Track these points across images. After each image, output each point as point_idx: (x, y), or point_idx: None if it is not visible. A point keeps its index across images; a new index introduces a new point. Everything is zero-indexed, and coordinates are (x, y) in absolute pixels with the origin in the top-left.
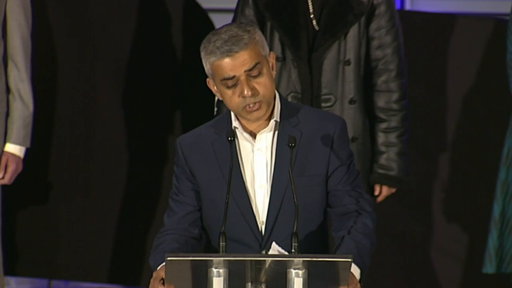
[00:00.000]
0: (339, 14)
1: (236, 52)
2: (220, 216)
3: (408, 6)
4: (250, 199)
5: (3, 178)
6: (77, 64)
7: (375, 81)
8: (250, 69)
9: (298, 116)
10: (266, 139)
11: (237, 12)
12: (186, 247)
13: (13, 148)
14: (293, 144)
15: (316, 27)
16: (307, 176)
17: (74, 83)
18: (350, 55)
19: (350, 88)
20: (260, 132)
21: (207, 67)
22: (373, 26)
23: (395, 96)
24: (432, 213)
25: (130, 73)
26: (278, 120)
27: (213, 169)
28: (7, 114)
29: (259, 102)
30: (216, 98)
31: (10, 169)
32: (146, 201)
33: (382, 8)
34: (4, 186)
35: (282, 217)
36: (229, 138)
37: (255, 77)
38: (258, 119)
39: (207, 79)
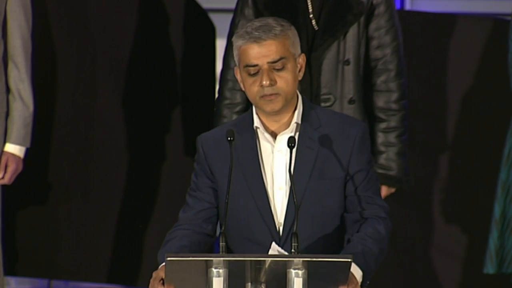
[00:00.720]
0: (339, 14)
1: (264, 40)
2: (238, 216)
3: (408, 6)
4: (269, 200)
5: (3, 178)
6: (77, 64)
7: (374, 81)
8: (274, 62)
9: (320, 119)
10: (287, 140)
11: (237, 12)
12: (198, 246)
13: (13, 148)
14: (292, 145)
15: (316, 27)
16: (326, 179)
17: (74, 83)
18: (350, 55)
19: (349, 88)
20: (281, 133)
21: (235, 53)
22: (373, 26)
23: (394, 96)
24: (432, 213)
25: (130, 73)
26: (299, 122)
27: (234, 168)
28: (7, 114)
29: (276, 94)
30: (216, 98)
31: (10, 169)
32: (145, 201)
33: (381, 8)
34: (4, 186)
35: (301, 219)
36: (229, 138)
37: (278, 70)
38: (273, 111)
39: (235, 68)
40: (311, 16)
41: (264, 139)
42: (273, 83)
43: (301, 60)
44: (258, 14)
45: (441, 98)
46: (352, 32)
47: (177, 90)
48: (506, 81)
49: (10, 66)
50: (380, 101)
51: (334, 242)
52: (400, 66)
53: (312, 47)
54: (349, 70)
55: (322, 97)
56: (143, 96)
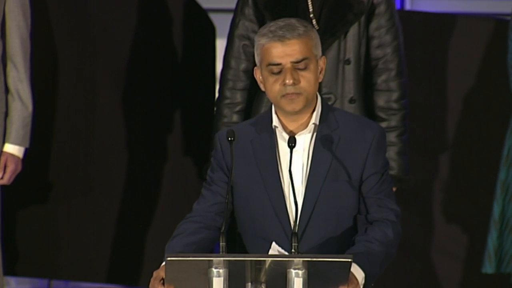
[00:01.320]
0: (339, 13)
1: (288, 39)
2: (253, 215)
3: (408, 6)
4: (285, 200)
5: (2, 178)
6: (77, 64)
7: (375, 80)
8: (298, 61)
9: (338, 120)
10: (304, 141)
11: (237, 12)
12: (208, 242)
13: (12, 149)
14: (292, 145)
15: (316, 27)
16: (342, 181)
17: (74, 83)
18: (350, 54)
19: (350, 87)
20: (299, 133)
21: (257, 52)
22: (373, 25)
23: (395, 95)
24: (432, 213)
25: (130, 73)
26: (317, 123)
27: (251, 167)
28: (6, 114)
29: (298, 93)
30: (216, 98)
31: (9, 169)
32: (146, 201)
33: (382, 8)
34: (3, 186)
35: (315, 219)
36: (229, 138)
37: (300, 70)
38: (293, 111)
39: (255, 68)
40: (311, 15)
41: (282, 138)
42: (296, 82)
43: (322, 62)
44: (258, 14)
45: (441, 98)
46: (353, 31)
47: (177, 90)
48: (506, 81)
49: (9, 66)
50: (380, 101)
51: (348, 243)
52: (400, 66)
53: None
54: (350, 70)
55: (323, 96)
56: (143, 96)
